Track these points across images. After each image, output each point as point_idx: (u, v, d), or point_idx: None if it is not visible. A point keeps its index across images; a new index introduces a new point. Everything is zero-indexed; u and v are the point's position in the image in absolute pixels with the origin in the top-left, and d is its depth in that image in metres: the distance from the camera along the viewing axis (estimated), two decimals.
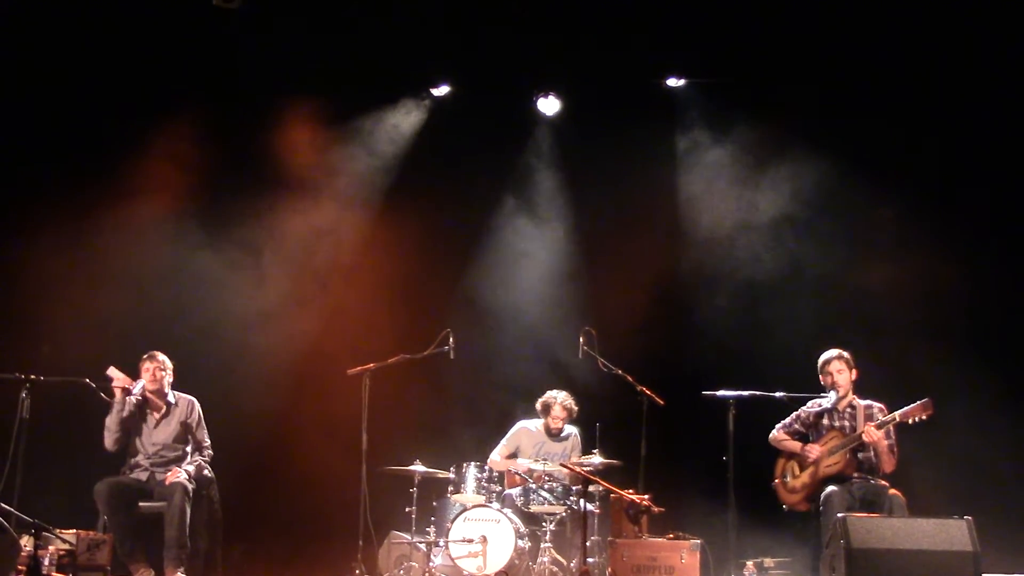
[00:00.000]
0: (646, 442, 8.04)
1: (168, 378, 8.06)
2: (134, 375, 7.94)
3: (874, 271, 9.44)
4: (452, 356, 8.41)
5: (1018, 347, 8.85)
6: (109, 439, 7.90)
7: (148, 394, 7.97)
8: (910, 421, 7.37)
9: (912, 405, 7.37)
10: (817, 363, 7.85)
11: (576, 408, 8.80)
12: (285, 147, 10.10)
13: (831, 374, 7.75)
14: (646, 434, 8.05)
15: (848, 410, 7.75)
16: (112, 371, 7.84)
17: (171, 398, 8.06)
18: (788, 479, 7.82)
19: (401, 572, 8.26)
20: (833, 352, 7.82)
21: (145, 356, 8.03)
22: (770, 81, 9.52)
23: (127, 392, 7.83)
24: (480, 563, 7.92)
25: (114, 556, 7.50)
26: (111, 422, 7.88)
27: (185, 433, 8.03)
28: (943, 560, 6.35)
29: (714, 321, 9.73)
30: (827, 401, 7.78)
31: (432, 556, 8.18)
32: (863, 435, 7.44)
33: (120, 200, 9.50)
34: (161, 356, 8.06)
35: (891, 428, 7.48)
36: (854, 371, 7.77)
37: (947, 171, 9.17)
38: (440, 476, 8.42)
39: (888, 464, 7.53)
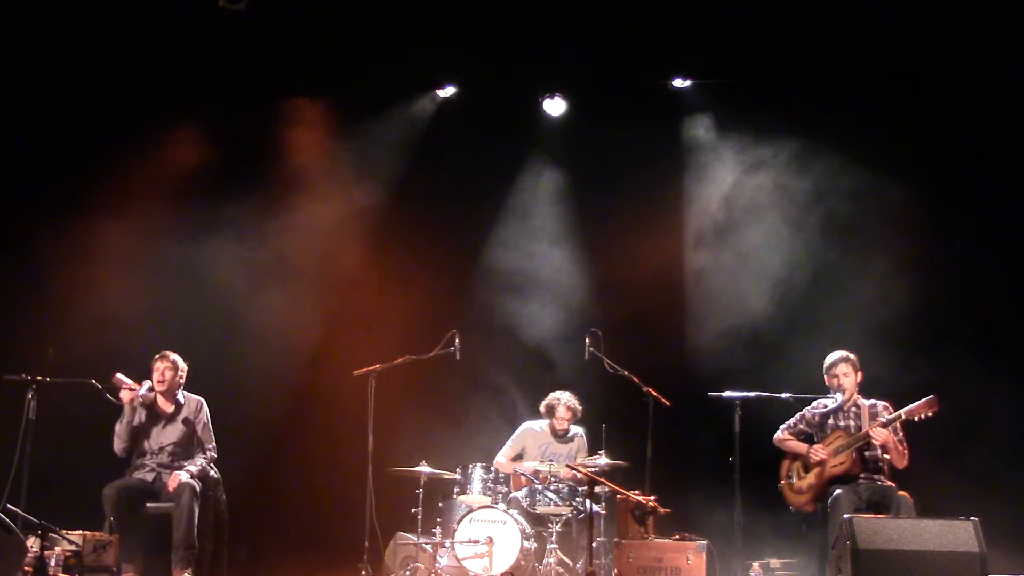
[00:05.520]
0: (652, 443, 8.05)
1: (180, 379, 8.04)
2: (143, 376, 7.93)
3: (881, 272, 9.41)
4: (458, 357, 8.41)
5: None
6: (118, 445, 7.89)
7: (157, 394, 7.97)
8: (916, 418, 7.35)
9: (918, 402, 7.35)
10: (823, 365, 7.84)
11: (581, 408, 8.78)
12: (290, 149, 10.12)
13: (837, 376, 7.73)
14: (652, 435, 8.06)
15: (853, 409, 7.73)
16: (119, 377, 7.83)
17: (180, 398, 8.05)
18: (794, 480, 7.80)
19: (407, 573, 8.25)
20: (839, 354, 7.79)
21: (157, 356, 8.01)
22: (776, 82, 9.49)
23: (134, 399, 7.82)
24: (486, 564, 7.93)
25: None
26: (120, 429, 7.87)
27: (191, 434, 7.99)
28: (949, 561, 6.33)
29: (720, 322, 9.71)
30: (832, 402, 7.78)
31: (438, 557, 8.20)
32: (870, 435, 7.42)
33: (126, 202, 9.51)
34: (173, 356, 8.02)
35: (898, 425, 7.45)
36: (859, 373, 7.75)
37: (952, 171, 9.13)
38: (446, 477, 8.43)
39: (899, 461, 7.49)
